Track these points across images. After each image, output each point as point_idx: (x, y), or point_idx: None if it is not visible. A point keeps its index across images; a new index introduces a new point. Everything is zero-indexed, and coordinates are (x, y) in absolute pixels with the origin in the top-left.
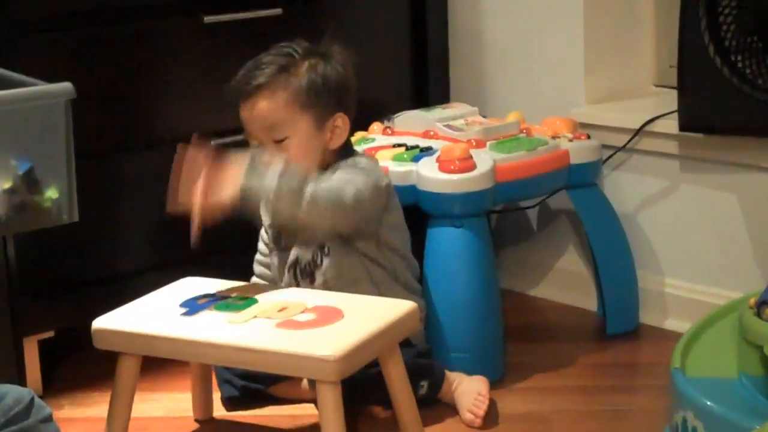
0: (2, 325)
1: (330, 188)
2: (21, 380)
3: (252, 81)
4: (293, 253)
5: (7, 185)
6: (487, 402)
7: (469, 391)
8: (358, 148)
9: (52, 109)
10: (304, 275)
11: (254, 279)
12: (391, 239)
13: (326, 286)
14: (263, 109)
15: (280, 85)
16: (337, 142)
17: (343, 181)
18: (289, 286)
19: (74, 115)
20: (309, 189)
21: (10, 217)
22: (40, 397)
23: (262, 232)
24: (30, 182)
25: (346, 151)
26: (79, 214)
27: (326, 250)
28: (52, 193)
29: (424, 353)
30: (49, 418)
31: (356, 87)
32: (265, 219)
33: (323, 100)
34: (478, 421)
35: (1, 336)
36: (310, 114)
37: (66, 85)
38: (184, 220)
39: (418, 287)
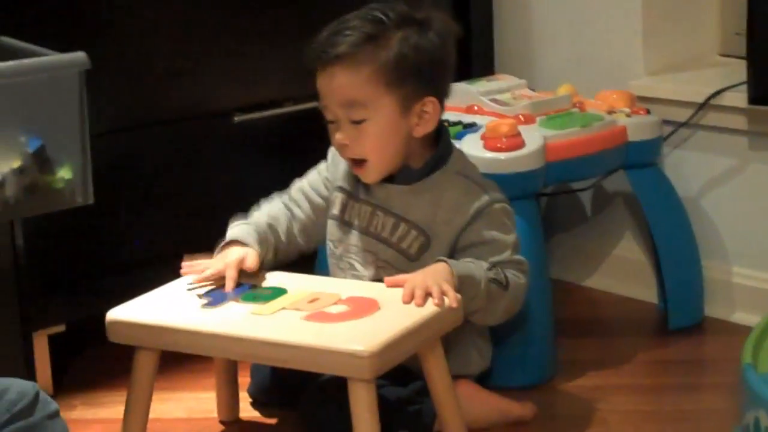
0: (10, 318)
1: (518, 286)
2: (30, 379)
3: (333, 48)
4: (355, 273)
5: (16, 164)
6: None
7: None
8: None
9: (65, 82)
10: None
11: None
12: None
13: None
14: (342, 82)
15: (365, 57)
16: (423, 130)
17: (515, 268)
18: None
19: (88, 88)
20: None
21: (20, 199)
22: (51, 396)
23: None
24: (41, 161)
25: (438, 143)
26: (94, 196)
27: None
28: (64, 173)
29: (409, 398)
30: (55, 414)
31: (454, 66)
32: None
33: (413, 79)
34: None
35: (8, 331)
36: (395, 94)
37: (79, 55)
38: (209, 206)
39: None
